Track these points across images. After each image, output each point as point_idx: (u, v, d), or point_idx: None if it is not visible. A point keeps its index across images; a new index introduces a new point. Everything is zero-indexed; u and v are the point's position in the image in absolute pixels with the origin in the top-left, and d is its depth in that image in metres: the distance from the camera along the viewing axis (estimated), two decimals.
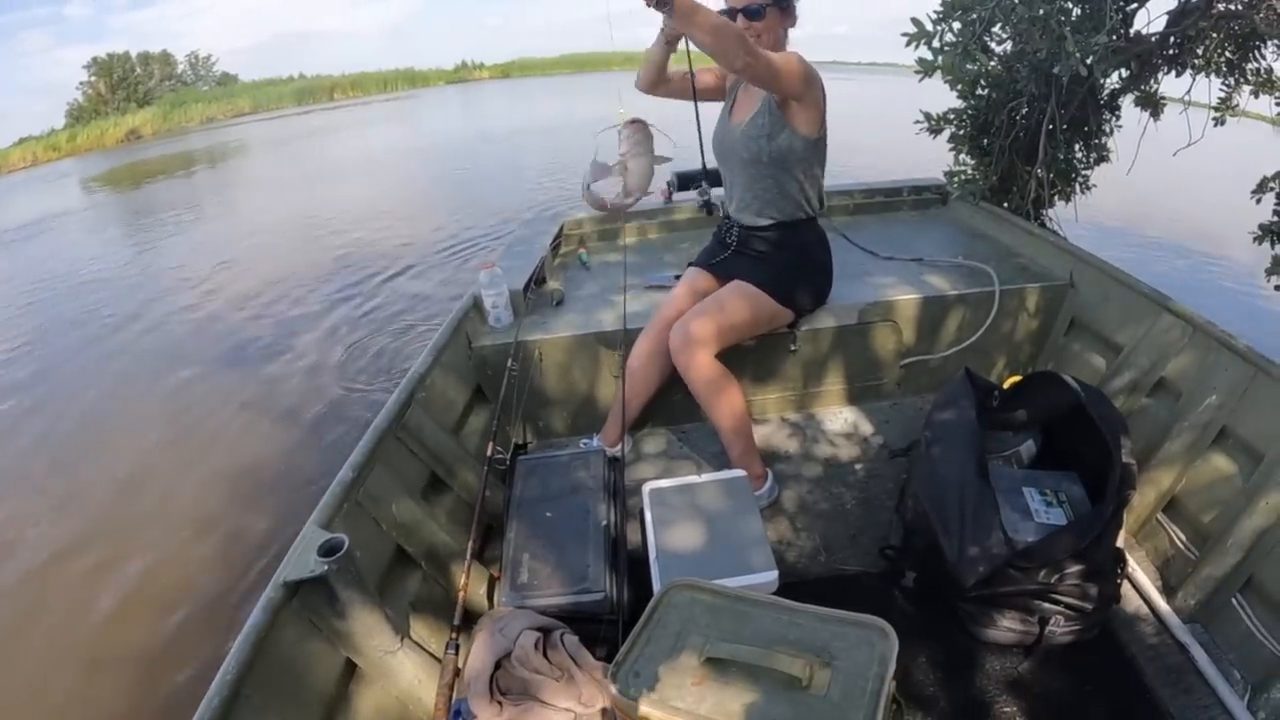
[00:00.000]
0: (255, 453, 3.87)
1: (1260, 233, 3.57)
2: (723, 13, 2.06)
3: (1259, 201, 3.67)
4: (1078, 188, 3.60)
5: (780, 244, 2.31)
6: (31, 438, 4.34)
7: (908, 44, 2.99)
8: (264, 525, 3.17)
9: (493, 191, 10.01)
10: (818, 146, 2.21)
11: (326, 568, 1.36)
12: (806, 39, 2.15)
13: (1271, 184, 3.61)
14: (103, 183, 17.55)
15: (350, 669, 1.51)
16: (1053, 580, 1.63)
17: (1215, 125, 3.57)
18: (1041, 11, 2.71)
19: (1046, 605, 1.66)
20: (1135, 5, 2.95)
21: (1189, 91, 3.51)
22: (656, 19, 2.00)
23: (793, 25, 2.17)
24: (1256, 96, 3.61)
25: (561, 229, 3.37)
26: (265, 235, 8.85)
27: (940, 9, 2.96)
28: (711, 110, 2.49)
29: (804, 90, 2.04)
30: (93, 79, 44.63)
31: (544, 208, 5.98)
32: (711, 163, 2.63)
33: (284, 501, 3.32)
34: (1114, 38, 2.67)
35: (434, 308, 5.78)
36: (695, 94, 2.41)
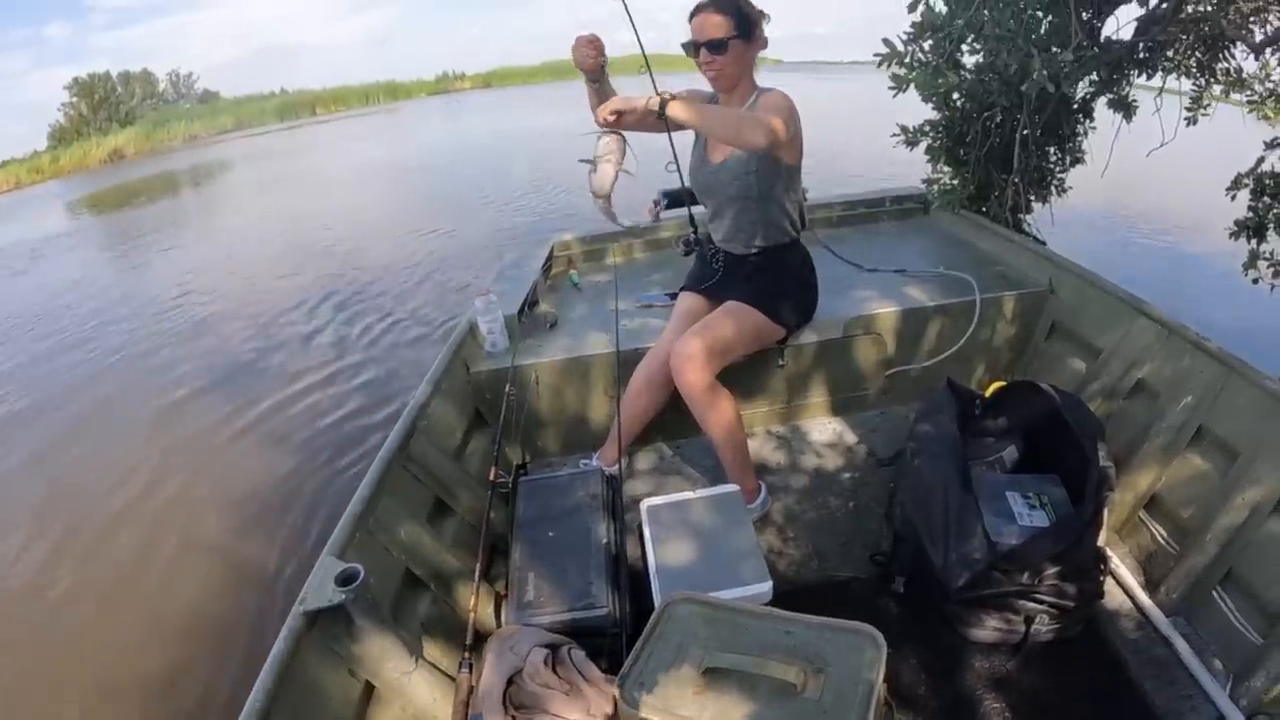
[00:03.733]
0: (253, 474, 3.89)
1: (1236, 228, 3.66)
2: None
3: (1234, 198, 3.75)
4: (1054, 190, 3.66)
5: (768, 266, 2.37)
6: (29, 467, 4.38)
7: (880, 64, 3.03)
8: (268, 547, 3.20)
9: (479, 208, 10.05)
10: (798, 169, 2.28)
11: (344, 597, 1.41)
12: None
13: (1245, 180, 3.69)
14: (88, 206, 17.49)
15: (369, 691, 1.56)
16: (1035, 581, 1.69)
17: (1188, 125, 3.64)
18: (1010, 28, 2.78)
19: (1031, 604, 1.72)
20: (1099, 22, 3.01)
21: (1160, 93, 3.59)
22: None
23: (762, 49, 2.20)
24: (1227, 96, 3.69)
25: (552, 250, 3.42)
26: (252, 258, 8.84)
27: (911, 29, 3.01)
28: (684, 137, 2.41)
29: (794, 128, 2.11)
30: (74, 100, 44.43)
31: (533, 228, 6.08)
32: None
33: (286, 522, 3.36)
34: (1082, 49, 2.73)
35: (425, 323, 5.87)
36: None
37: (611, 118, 1.98)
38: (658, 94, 1.97)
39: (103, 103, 44.64)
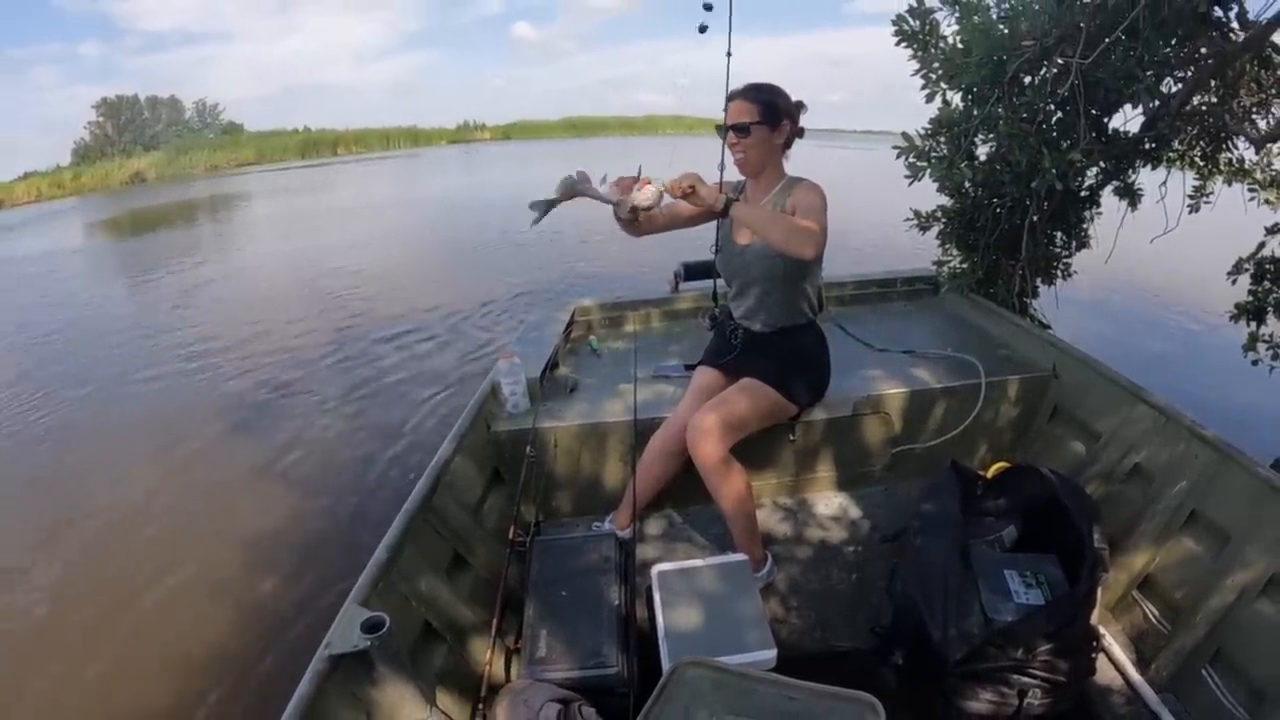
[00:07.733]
0: (268, 518, 3.91)
1: (1236, 311, 3.75)
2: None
3: (1234, 282, 3.85)
4: (1059, 274, 3.74)
5: (785, 345, 2.45)
6: (44, 505, 4.39)
7: (898, 156, 3.16)
8: (280, 583, 3.20)
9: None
10: (821, 255, 2.35)
11: (369, 644, 1.46)
12: None
13: (1246, 265, 3.79)
14: (111, 229, 17.62)
15: None
16: (1029, 657, 1.75)
17: (1190, 212, 3.75)
18: (1022, 126, 2.89)
19: (1024, 679, 1.77)
20: (1106, 118, 3.14)
21: (1164, 183, 3.70)
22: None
23: (796, 137, 2.32)
24: (1229, 184, 3.81)
25: (573, 315, 3.52)
26: (276, 303, 8.89)
27: (929, 125, 3.17)
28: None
29: (827, 219, 2.19)
30: (101, 119, 45.05)
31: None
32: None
33: (292, 558, 3.35)
34: (1090, 144, 2.85)
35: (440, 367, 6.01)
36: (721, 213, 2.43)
37: (677, 193, 2.11)
38: (724, 193, 2.14)
39: (128, 125, 45.24)
